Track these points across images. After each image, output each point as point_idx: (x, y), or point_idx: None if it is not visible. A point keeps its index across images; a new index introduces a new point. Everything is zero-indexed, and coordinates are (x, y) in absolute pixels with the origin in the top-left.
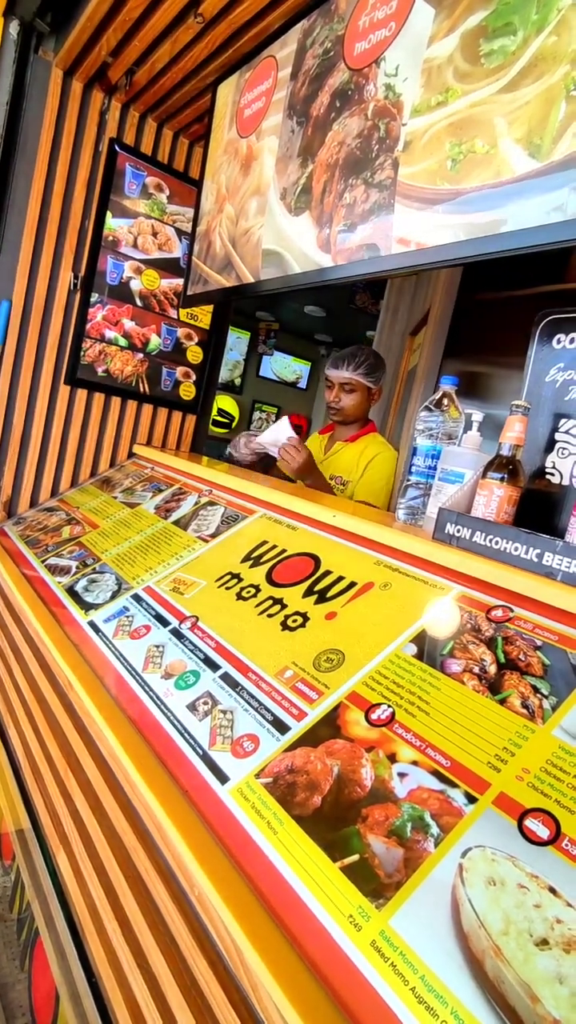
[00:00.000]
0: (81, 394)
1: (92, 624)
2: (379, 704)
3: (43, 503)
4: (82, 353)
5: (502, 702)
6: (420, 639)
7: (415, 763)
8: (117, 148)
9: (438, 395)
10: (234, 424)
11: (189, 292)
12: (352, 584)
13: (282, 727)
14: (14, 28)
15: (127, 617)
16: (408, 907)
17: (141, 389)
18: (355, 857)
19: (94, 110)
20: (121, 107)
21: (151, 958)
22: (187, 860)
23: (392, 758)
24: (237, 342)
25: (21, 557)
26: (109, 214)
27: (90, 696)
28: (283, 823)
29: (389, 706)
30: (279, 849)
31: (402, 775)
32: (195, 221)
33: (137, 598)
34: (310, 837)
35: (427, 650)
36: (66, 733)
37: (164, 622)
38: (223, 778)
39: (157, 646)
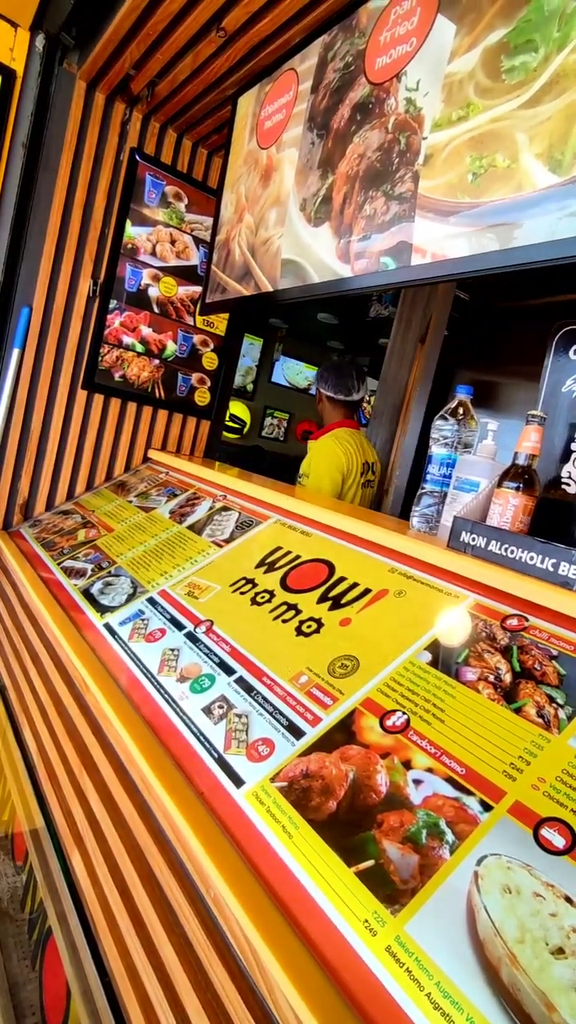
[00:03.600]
0: (98, 399)
1: (108, 627)
2: (394, 711)
3: (59, 506)
4: (100, 359)
5: (517, 711)
6: (435, 647)
7: (430, 770)
8: (137, 158)
9: (453, 404)
10: (245, 430)
11: (207, 300)
12: (367, 591)
13: (297, 732)
14: (40, 41)
15: (142, 620)
16: (423, 913)
17: (157, 395)
18: (370, 862)
19: (116, 121)
20: (142, 118)
21: (165, 957)
22: (203, 861)
23: (407, 765)
24: (250, 348)
25: (37, 559)
26: (128, 222)
27: (105, 697)
28: (298, 827)
29: (404, 713)
30: (294, 853)
31: (417, 782)
32: (214, 230)
33: (152, 602)
34: (325, 841)
35: (442, 658)
36: (81, 733)
37: (179, 626)
38: (238, 781)
39: (172, 649)
